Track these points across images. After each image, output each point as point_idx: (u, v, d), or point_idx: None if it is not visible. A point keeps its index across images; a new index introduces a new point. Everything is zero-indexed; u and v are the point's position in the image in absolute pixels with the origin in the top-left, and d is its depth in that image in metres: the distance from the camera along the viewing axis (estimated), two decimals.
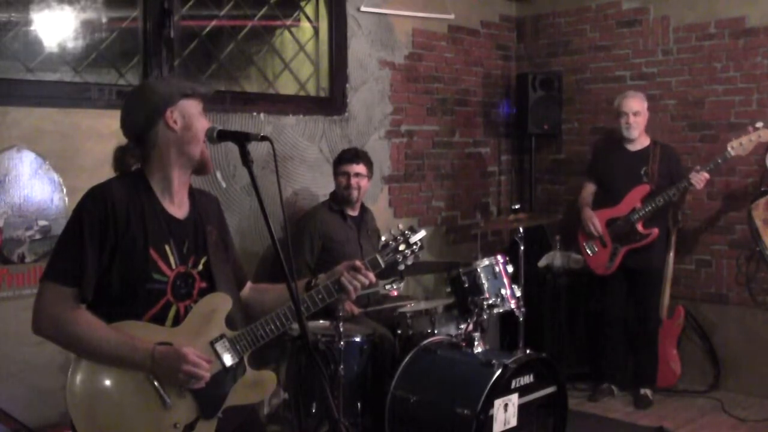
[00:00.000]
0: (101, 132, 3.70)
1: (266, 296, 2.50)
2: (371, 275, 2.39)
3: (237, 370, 2.26)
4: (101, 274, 2.13)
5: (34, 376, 3.47)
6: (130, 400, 2.11)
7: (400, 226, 2.56)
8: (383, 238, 2.55)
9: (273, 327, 2.28)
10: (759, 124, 4.45)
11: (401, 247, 2.49)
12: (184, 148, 2.23)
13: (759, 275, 4.89)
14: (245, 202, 4.30)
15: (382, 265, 2.46)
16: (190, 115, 2.24)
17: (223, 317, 2.25)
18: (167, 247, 2.21)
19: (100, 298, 2.15)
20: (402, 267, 2.53)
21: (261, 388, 2.35)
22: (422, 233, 2.55)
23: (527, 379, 3.52)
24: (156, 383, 2.12)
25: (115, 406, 2.11)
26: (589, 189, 5.02)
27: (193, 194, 2.36)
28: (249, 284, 2.57)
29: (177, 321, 2.21)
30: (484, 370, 3.42)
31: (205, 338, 2.22)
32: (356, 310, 4.02)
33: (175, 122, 2.21)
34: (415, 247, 2.51)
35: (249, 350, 2.27)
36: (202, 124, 2.25)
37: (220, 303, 2.27)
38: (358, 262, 2.39)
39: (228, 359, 2.23)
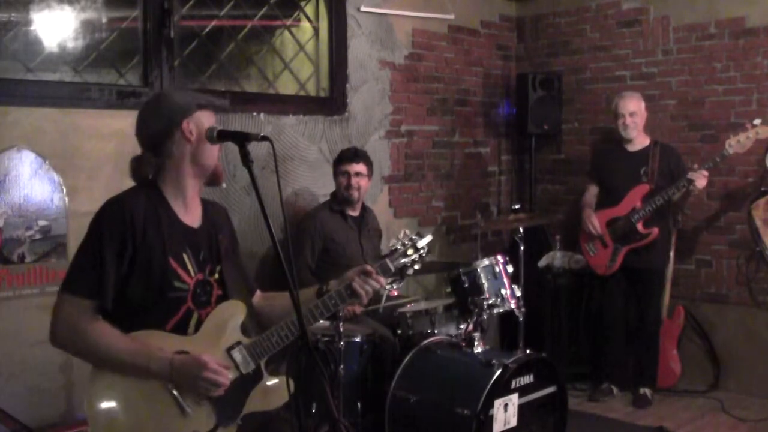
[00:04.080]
0: (101, 132, 3.70)
1: (276, 303, 2.51)
2: (382, 280, 2.42)
3: (254, 376, 2.28)
4: (121, 286, 2.14)
5: (34, 376, 3.47)
6: (149, 410, 2.12)
7: (407, 231, 2.61)
8: (391, 243, 2.59)
9: (288, 332, 2.29)
10: (757, 121, 4.45)
11: (409, 252, 2.55)
12: (199, 159, 2.25)
13: (759, 275, 4.89)
14: (245, 202, 4.30)
15: (392, 270, 2.50)
16: (204, 129, 2.25)
17: (238, 325, 2.27)
18: (185, 256, 2.23)
19: (121, 308, 2.15)
20: (410, 272, 2.59)
21: (278, 394, 2.36)
22: (429, 238, 2.61)
23: (527, 379, 3.52)
24: (175, 392, 2.13)
25: (135, 416, 2.10)
26: (593, 191, 5.03)
27: (204, 204, 2.38)
28: (259, 293, 2.58)
29: (198, 328, 2.23)
30: (484, 370, 3.42)
31: (222, 346, 2.23)
32: (358, 310, 4.02)
33: (190, 133, 2.23)
34: (422, 251, 2.57)
35: (265, 356, 2.28)
36: None
37: (236, 310, 2.29)
38: (369, 267, 2.41)
39: (245, 366, 2.24)
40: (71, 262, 2.20)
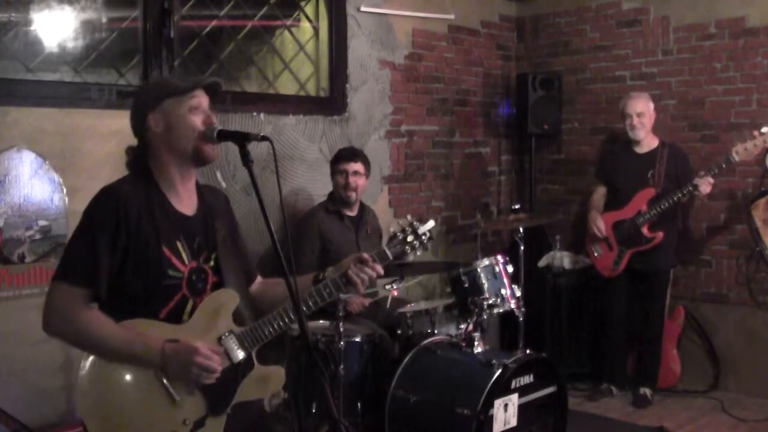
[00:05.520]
0: (101, 132, 3.70)
1: (276, 290, 2.49)
2: (379, 267, 2.39)
3: (245, 365, 2.27)
4: (114, 274, 2.15)
5: (34, 376, 3.47)
6: (140, 398, 2.13)
7: (409, 217, 2.53)
8: (391, 230, 2.53)
9: (281, 322, 2.28)
10: (765, 129, 4.39)
11: (409, 238, 2.47)
12: (172, 146, 2.23)
13: (759, 275, 4.89)
14: (245, 202, 4.30)
15: (390, 257, 2.44)
16: (174, 116, 2.22)
17: (230, 313, 2.26)
18: (179, 244, 2.23)
19: (115, 296, 2.16)
20: (411, 258, 2.51)
21: (269, 384, 2.35)
22: (431, 224, 2.52)
23: (527, 379, 3.51)
24: (164, 380, 2.13)
25: (125, 404, 2.12)
26: (600, 192, 5.01)
27: (201, 190, 2.37)
28: (259, 278, 2.58)
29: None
30: (484, 370, 3.42)
31: (213, 334, 2.23)
32: (366, 302, 4.02)
33: (156, 125, 2.23)
34: (423, 237, 2.49)
35: (257, 346, 2.28)
36: (189, 120, 2.22)
37: (227, 299, 2.28)
38: (365, 255, 2.38)
39: (236, 355, 2.23)
40: (64, 251, 2.21)
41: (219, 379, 2.18)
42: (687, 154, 4.85)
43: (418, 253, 2.50)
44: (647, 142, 4.80)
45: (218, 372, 2.16)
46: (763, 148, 4.43)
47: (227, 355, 2.22)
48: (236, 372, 2.25)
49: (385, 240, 4.48)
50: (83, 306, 2.13)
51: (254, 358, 2.30)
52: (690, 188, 4.50)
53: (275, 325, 2.28)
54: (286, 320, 2.29)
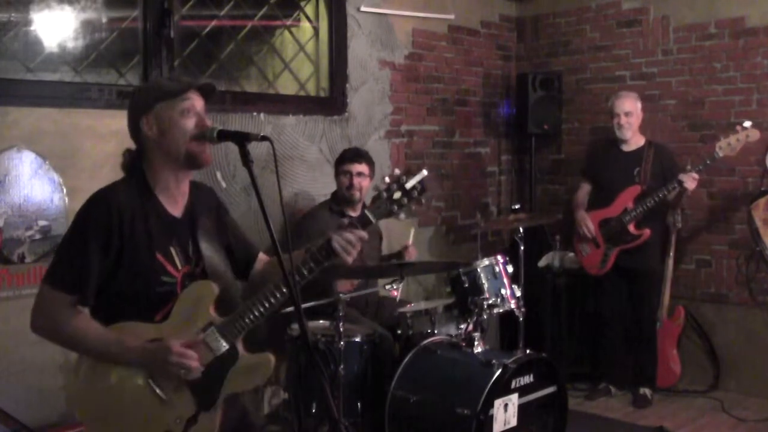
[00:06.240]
0: (101, 132, 3.70)
1: (275, 270, 2.34)
2: (360, 232, 2.25)
3: (230, 357, 2.23)
4: (106, 279, 2.13)
5: (34, 376, 3.47)
6: (131, 399, 2.13)
7: (396, 171, 2.27)
8: (375, 187, 2.33)
9: (261, 308, 2.22)
10: (747, 124, 4.43)
11: (396, 195, 2.23)
12: (165, 149, 2.21)
13: (759, 275, 4.89)
14: (245, 202, 4.30)
15: (373, 220, 2.26)
16: (167, 119, 2.20)
17: (209, 305, 2.22)
18: (172, 249, 2.22)
19: (108, 300, 2.15)
20: (403, 216, 2.30)
21: (259, 372, 2.29)
22: (422, 174, 2.24)
23: (527, 379, 3.51)
24: (150, 381, 2.13)
25: (117, 406, 2.12)
26: (585, 189, 5.03)
27: (191, 189, 2.34)
28: (261, 256, 2.54)
29: None
30: (484, 370, 3.42)
31: (194, 328, 2.19)
32: (355, 283, 3.99)
33: (150, 129, 2.21)
34: (414, 192, 2.24)
35: (239, 335, 2.23)
36: (182, 124, 2.19)
37: (204, 291, 2.23)
38: (344, 220, 2.30)
39: (218, 347, 2.19)
40: (55, 254, 2.19)
41: (204, 374, 2.16)
42: (673, 153, 4.86)
43: (413, 209, 2.29)
44: (634, 140, 4.80)
45: (196, 367, 2.12)
46: (746, 143, 4.44)
47: (209, 348, 2.18)
48: (222, 364, 2.21)
49: (384, 244, 4.50)
50: (70, 311, 2.12)
51: (239, 348, 2.26)
52: (675, 184, 4.51)
53: (256, 311, 2.21)
54: (267, 305, 2.21)
